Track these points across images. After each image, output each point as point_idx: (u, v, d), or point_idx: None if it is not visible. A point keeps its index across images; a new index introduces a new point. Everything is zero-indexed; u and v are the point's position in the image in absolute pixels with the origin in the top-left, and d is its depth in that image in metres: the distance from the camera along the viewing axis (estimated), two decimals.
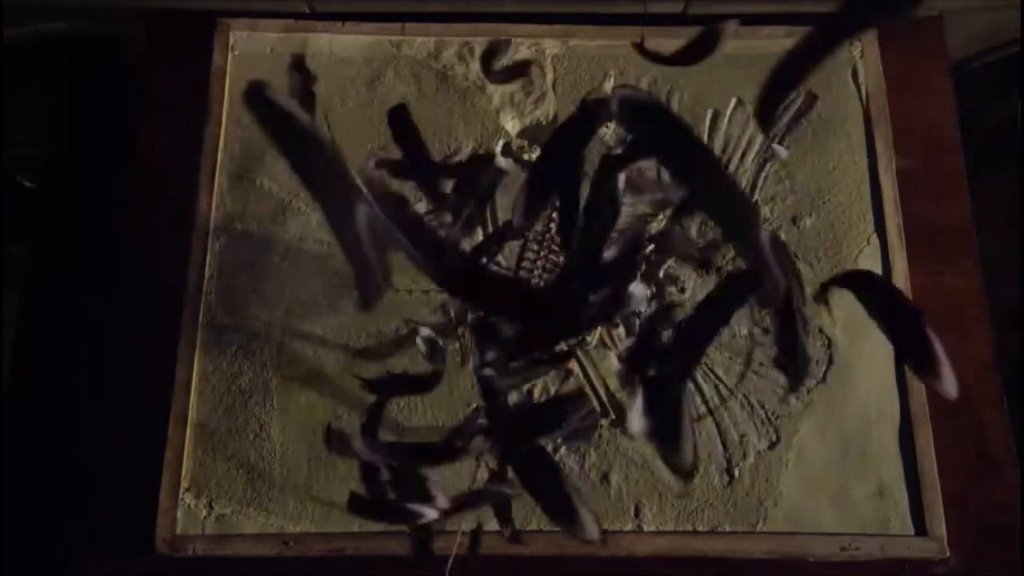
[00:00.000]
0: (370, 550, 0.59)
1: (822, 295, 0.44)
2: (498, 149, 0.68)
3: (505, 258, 0.64)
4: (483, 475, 0.59)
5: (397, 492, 0.48)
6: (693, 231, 0.66)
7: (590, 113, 0.42)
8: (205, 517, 0.60)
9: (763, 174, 0.68)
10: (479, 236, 0.65)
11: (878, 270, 0.66)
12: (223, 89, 0.69)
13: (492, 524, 0.58)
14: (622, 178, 0.44)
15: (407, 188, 0.64)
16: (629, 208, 0.46)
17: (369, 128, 0.69)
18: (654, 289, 0.44)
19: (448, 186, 0.58)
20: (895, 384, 0.63)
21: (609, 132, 0.67)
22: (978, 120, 0.84)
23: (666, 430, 0.39)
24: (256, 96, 0.35)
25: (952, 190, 0.69)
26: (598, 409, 0.62)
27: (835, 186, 0.68)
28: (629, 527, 0.60)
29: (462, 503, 0.48)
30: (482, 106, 0.70)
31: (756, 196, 0.68)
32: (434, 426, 0.61)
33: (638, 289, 0.45)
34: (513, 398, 0.49)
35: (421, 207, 0.63)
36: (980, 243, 0.68)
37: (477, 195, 0.50)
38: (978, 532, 0.61)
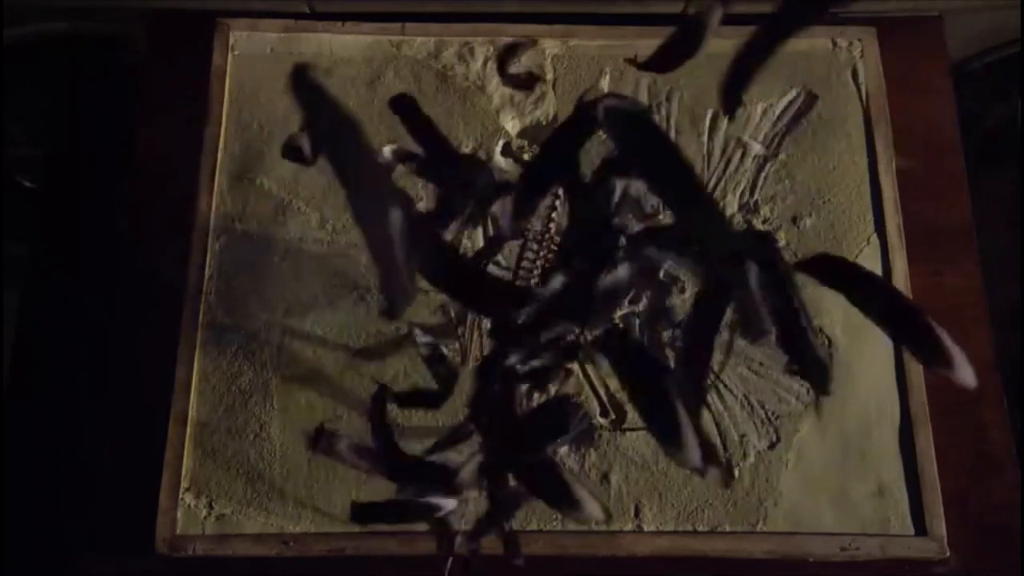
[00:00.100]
0: (370, 550, 0.59)
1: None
2: (498, 149, 0.68)
3: (505, 258, 0.64)
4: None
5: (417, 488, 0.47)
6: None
7: (587, 115, 0.42)
8: (205, 517, 0.60)
9: (763, 174, 0.68)
10: (480, 237, 0.65)
11: (878, 270, 0.66)
12: (223, 89, 0.69)
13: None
14: (620, 185, 0.43)
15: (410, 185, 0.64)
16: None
17: (369, 128, 0.69)
18: (635, 271, 0.43)
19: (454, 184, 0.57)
20: (895, 384, 0.63)
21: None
22: (978, 120, 0.84)
23: (665, 432, 0.39)
24: (302, 78, 0.34)
25: (952, 190, 0.69)
26: (598, 409, 0.63)
27: (835, 186, 0.68)
28: (629, 527, 0.60)
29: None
30: (482, 106, 0.70)
31: (756, 196, 0.68)
32: (433, 426, 0.61)
33: (623, 270, 0.44)
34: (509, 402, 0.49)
35: (421, 206, 0.63)
36: (980, 243, 0.68)
37: (477, 195, 0.50)
38: (978, 532, 0.61)
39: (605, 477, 0.61)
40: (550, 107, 0.70)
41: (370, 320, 0.64)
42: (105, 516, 0.61)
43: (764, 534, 0.60)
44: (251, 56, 0.71)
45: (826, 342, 0.64)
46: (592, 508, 0.41)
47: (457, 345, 0.63)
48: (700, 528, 0.60)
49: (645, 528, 0.60)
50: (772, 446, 0.62)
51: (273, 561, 0.59)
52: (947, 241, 0.68)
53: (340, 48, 0.71)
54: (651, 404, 0.39)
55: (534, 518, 0.60)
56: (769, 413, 0.63)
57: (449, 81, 0.70)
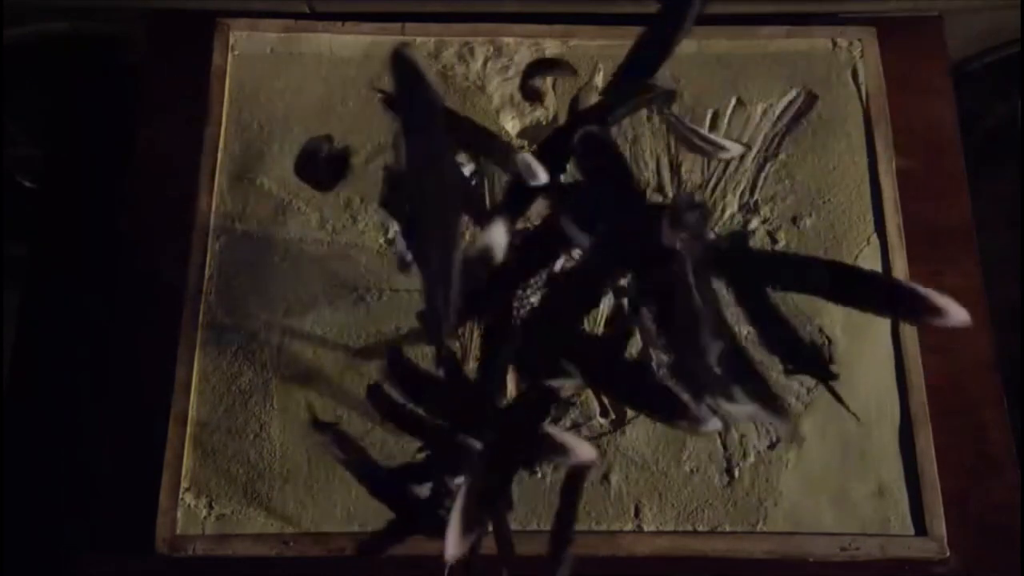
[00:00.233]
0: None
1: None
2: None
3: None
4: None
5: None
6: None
7: (582, 122, 0.42)
8: (205, 517, 0.60)
9: (763, 174, 0.68)
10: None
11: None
12: (223, 89, 0.69)
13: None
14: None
15: None
16: None
17: (369, 128, 0.69)
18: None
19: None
20: (895, 384, 0.63)
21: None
22: (978, 120, 0.84)
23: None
24: (403, 61, 0.34)
25: (952, 190, 0.69)
26: (598, 409, 0.63)
27: (835, 186, 0.68)
28: (629, 527, 0.60)
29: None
30: (482, 106, 0.70)
31: (756, 196, 0.68)
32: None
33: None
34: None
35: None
36: (980, 243, 0.68)
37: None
38: (978, 532, 0.61)
39: (605, 477, 0.61)
40: (550, 107, 0.70)
41: (370, 320, 0.64)
42: (105, 516, 0.61)
43: (764, 534, 0.60)
44: (251, 56, 0.71)
45: (826, 342, 0.64)
46: (581, 450, 0.40)
47: (458, 344, 0.63)
48: (700, 528, 0.60)
49: (645, 528, 0.60)
50: (772, 446, 0.62)
51: (273, 561, 0.59)
52: (947, 241, 0.68)
53: (340, 48, 0.71)
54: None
55: (534, 518, 0.60)
56: None
57: (449, 81, 0.70)
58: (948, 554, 0.60)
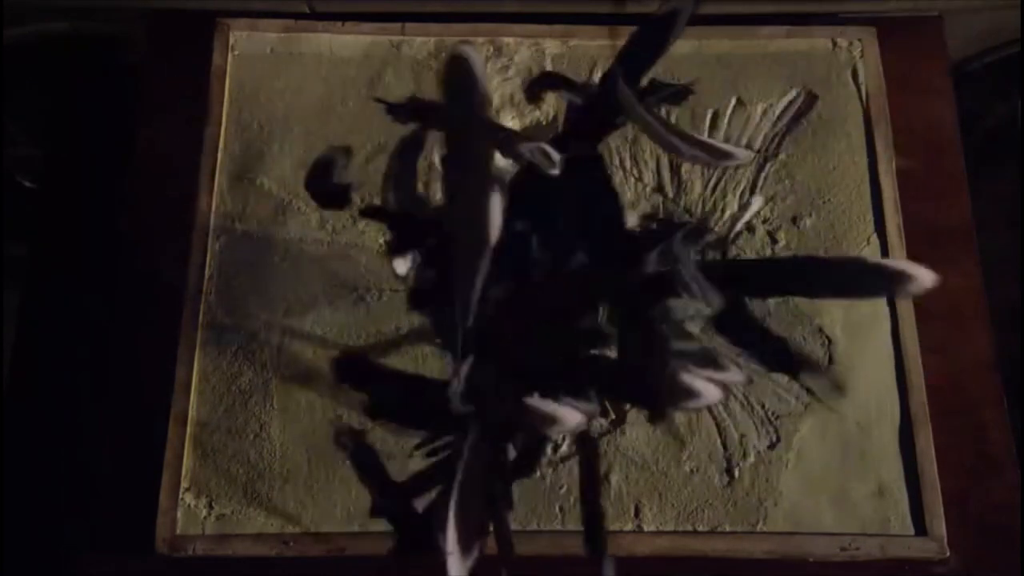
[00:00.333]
0: (370, 550, 0.59)
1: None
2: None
3: None
4: None
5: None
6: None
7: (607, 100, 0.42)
8: (205, 517, 0.60)
9: (763, 174, 0.68)
10: None
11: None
12: (223, 89, 0.69)
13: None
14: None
15: None
16: None
17: (369, 128, 0.69)
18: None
19: None
20: (895, 384, 0.63)
21: None
22: (978, 120, 0.84)
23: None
24: (459, 61, 0.34)
25: (952, 190, 0.69)
26: (598, 409, 0.62)
27: (835, 186, 0.68)
28: (629, 527, 0.60)
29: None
30: None
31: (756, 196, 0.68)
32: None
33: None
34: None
35: None
36: (980, 243, 0.68)
37: None
38: (978, 532, 0.61)
39: (605, 477, 0.61)
40: (550, 107, 0.70)
41: (370, 320, 0.64)
42: (105, 516, 0.61)
43: (764, 534, 0.60)
44: (251, 56, 0.71)
45: (826, 342, 0.64)
46: (569, 416, 0.40)
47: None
48: (700, 528, 0.60)
49: (645, 528, 0.60)
50: (772, 446, 0.62)
51: (273, 561, 0.59)
52: (947, 241, 0.68)
53: (340, 48, 0.71)
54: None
55: (534, 518, 0.60)
56: (769, 413, 0.63)
57: None
58: (948, 554, 0.60)
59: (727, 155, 0.44)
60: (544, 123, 0.70)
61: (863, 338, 0.64)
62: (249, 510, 0.60)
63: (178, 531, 0.59)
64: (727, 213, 0.67)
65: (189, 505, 0.60)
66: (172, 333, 0.63)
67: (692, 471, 0.61)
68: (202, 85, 0.69)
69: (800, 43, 0.72)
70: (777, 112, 0.70)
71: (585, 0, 0.72)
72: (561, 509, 0.60)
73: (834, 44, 0.72)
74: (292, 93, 0.70)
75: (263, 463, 0.61)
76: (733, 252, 0.66)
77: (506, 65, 0.71)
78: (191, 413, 0.62)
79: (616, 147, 0.68)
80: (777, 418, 0.63)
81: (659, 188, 0.68)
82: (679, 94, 0.48)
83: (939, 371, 0.64)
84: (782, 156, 0.69)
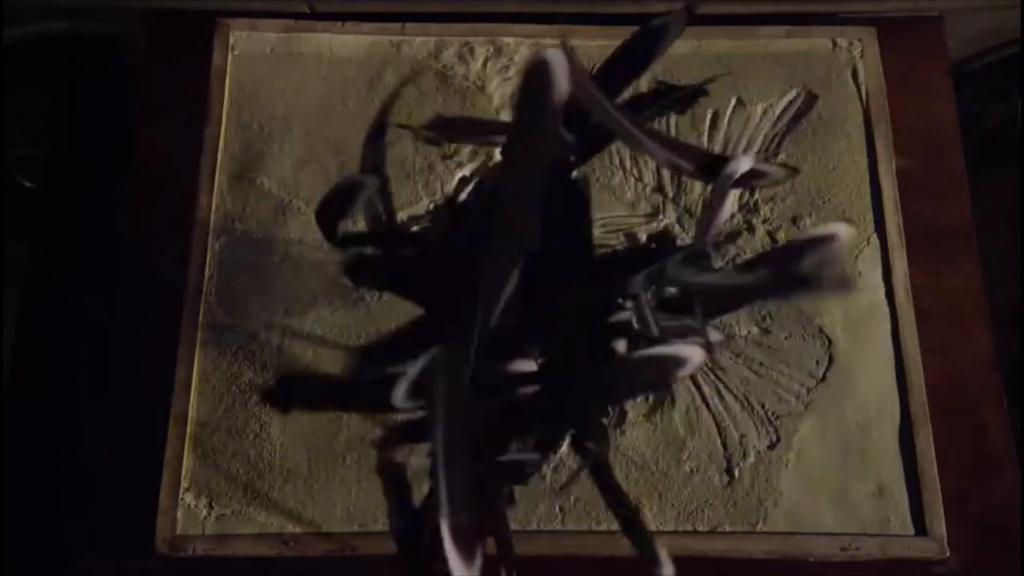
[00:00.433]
0: (370, 550, 0.59)
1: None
2: (498, 150, 0.68)
3: None
4: None
5: None
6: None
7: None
8: (205, 517, 0.60)
9: None
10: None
11: (878, 270, 0.66)
12: (223, 89, 0.69)
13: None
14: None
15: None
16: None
17: (367, 129, 0.69)
18: None
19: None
20: (895, 384, 0.63)
21: None
22: (978, 120, 0.84)
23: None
24: (541, 71, 0.34)
25: (952, 190, 0.69)
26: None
27: (835, 186, 0.68)
28: None
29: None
30: (482, 106, 0.70)
31: (756, 196, 0.68)
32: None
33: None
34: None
35: None
36: (980, 243, 0.68)
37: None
38: (978, 532, 0.61)
39: None
40: None
41: (370, 320, 0.64)
42: (105, 516, 0.61)
43: (764, 534, 0.60)
44: (251, 56, 0.71)
45: (826, 342, 0.64)
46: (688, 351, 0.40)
47: None
48: (700, 528, 0.60)
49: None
50: (772, 446, 0.62)
51: (273, 561, 0.59)
52: (947, 241, 0.68)
53: (340, 48, 0.71)
54: None
55: (534, 518, 0.60)
56: (769, 413, 0.63)
57: (449, 81, 0.70)
58: (948, 554, 0.60)
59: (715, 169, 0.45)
60: None
61: (863, 338, 0.64)
62: (249, 510, 0.60)
63: (178, 531, 0.59)
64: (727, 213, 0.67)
65: (189, 505, 0.60)
66: (172, 333, 0.63)
67: (692, 471, 0.61)
68: (202, 85, 0.69)
69: (800, 43, 0.72)
70: (777, 112, 0.70)
71: (585, 0, 0.72)
72: (561, 509, 0.60)
73: (834, 44, 0.72)
74: (292, 93, 0.70)
75: (263, 463, 0.61)
76: (732, 252, 0.66)
77: (506, 65, 0.71)
78: (191, 413, 0.62)
79: (616, 147, 0.68)
80: (777, 418, 0.63)
81: (659, 188, 0.68)
82: (691, 96, 0.49)
83: (939, 371, 0.64)
84: (782, 156, 0.69)
